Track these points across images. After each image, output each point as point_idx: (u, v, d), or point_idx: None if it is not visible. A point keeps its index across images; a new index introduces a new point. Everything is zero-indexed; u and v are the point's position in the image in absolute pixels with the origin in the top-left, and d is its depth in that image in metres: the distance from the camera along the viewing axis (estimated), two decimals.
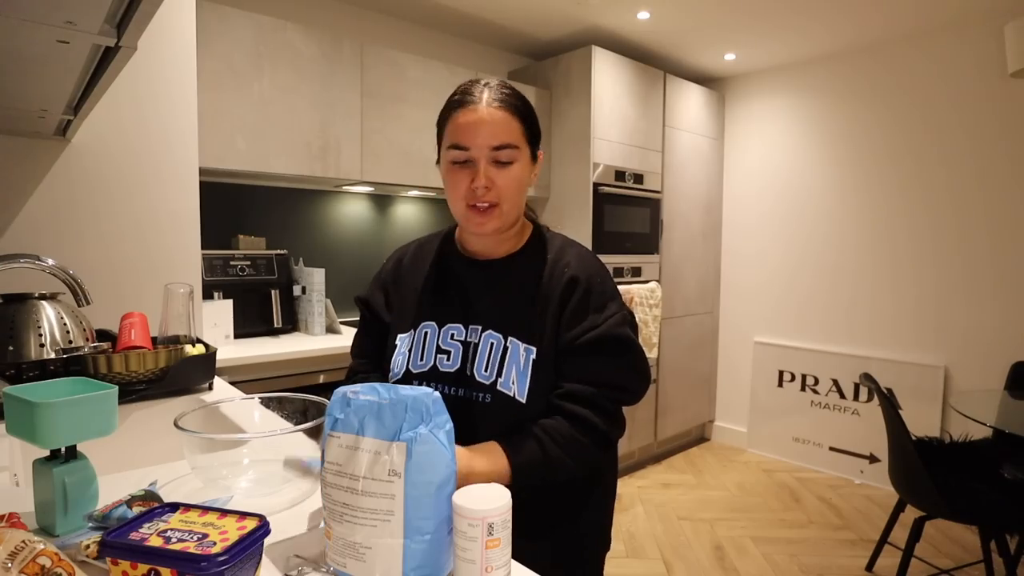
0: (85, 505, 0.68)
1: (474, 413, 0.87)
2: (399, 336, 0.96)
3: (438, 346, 0.91)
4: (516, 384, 0.85)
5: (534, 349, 0.86)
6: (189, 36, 1.78)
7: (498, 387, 0.86)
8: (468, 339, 0.90)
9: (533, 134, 0.92)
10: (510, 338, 0.88)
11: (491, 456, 0.80)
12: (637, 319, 3.08)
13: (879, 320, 3.26)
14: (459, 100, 0.90)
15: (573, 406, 0.84)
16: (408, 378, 0.92)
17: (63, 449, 0.68)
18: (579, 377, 0.85)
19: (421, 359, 0.91)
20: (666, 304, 3.44)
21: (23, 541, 0.51)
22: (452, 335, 0.91)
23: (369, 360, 1.03)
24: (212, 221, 2.32)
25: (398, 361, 0.94)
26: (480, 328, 0.90)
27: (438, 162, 0.96)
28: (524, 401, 0.85)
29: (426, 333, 0.93)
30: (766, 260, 3.72)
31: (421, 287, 0.98)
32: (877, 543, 2.34)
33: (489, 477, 0.77)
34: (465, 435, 0.83)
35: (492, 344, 0.88)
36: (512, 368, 0.86)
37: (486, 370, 0.87)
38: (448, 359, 0.90)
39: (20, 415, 0.65)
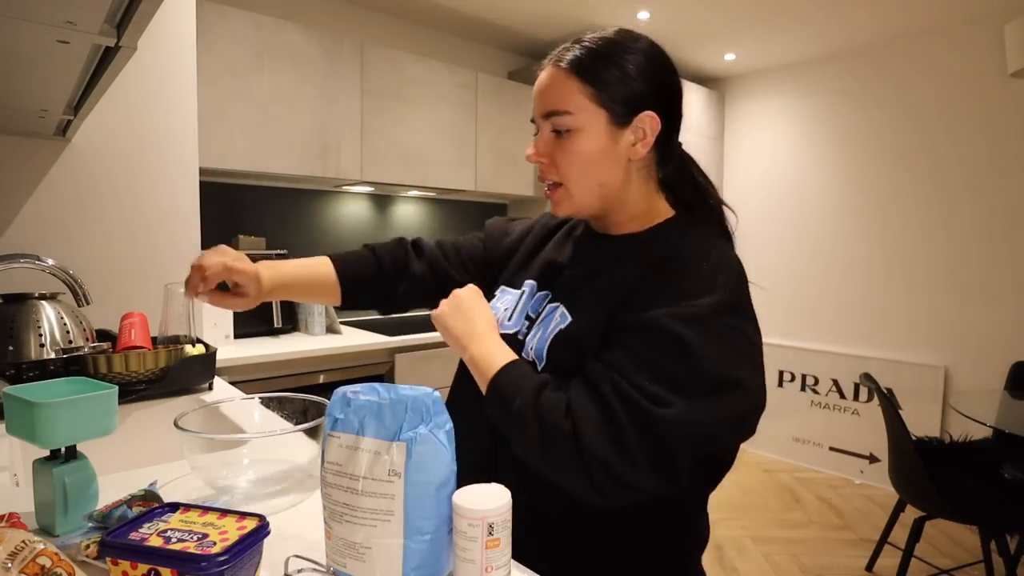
0: (85, 505, 0.68)
1: None
2: (503, 288, 0.89)
3: (527, 312, 0.82)
4: (534, 350, 0.75)
5: (571, 319, 0.74)
6: (189, 36, 1.78)
7: (523, 352, 0.76)
8: (542, 308, 0.80)
9: (617, 94, 0.71)
10: (561, 306, 0.76)
11: (499, 353, 0.73)
12: None
13: (879, 320, 3.26)
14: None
15: (577, 386, 0.65)
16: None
17: (63, 449, 0.68)
18: (602, 356, 0.66)
19: (510, 320, 0.83)
20: None
21: (23, 541, 0.51)
22: (539, 302, 0.82)
23: (442, 250, 0.98)
24: (212, 221, 2.32)
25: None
26: (550, 296, 0.80)
27: None
28: (540, 368, 0.74)
29: (523, 292, 0.84)
30: (766, 260, 3.72)
31: (549, 250, 0.89)
32: (877, 543, 2.34)
33: (474, 361, 0.73)
34: (472, 386, 0.76)
35: (548, 309, 0.78)
36: (539, 331, 0.76)
37: (529, 332, 0.78)
38: (529, 328, 0.80)
39: (20, 415, 0.65)
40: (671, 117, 0.75)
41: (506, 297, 0.87)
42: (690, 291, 0.65)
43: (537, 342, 0.75)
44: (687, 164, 0.81)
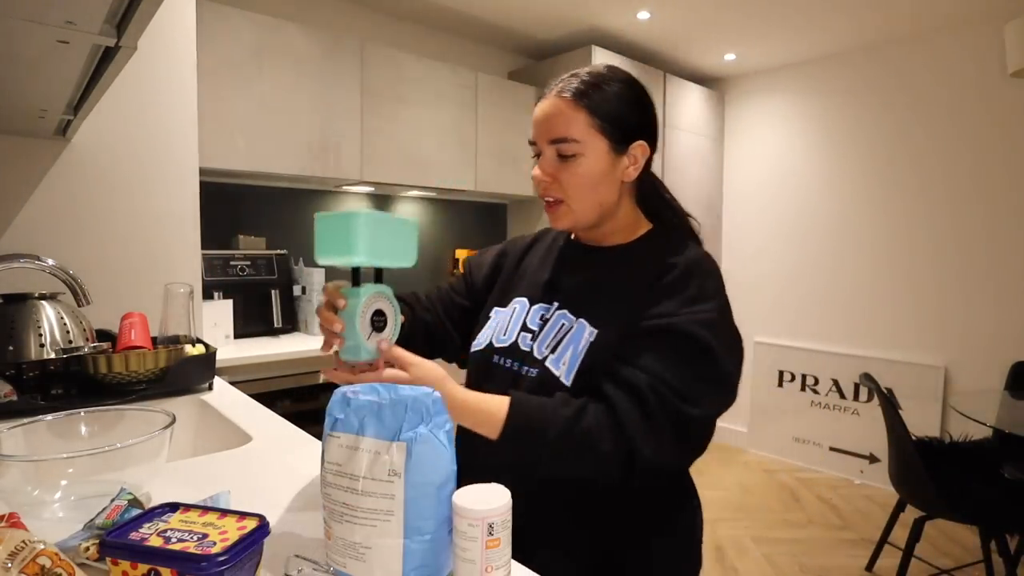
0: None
1: (516, 386, 0.83)
2: (495, 309, 0.95)
3: (524, 323, 0.89)
4: (566, 365, 0.80)
5: (596, 331, 0.80)
6: (189, 36, 1.78)
7: (546, 363, 0.81)
8: (547, 317, 0.87)
9: (617, 126, 0.82)
10: (580, 319, 0.82)
11: (490, 399, 0.75)
12: None
13: (879, 320, 3.26)
14: (541, 92, 0.87)
15: (618, 394, 0.72)
16: (490, 351, 0.90)
17: (372, 272, 0.74)
18: (635, 362, 0.73)
19: (504, 334, 0.90)
20: None
21: (23, 541, 0.51)
22: (540, 315, 0.88)
23: (438, 298, 1.04)
24: (212, 221, 2.32)
25: (485, 334, 0.93)
26: (556, 306, 0.87)
27: None
28: (568, 383, 0.78)
29: (515, 309, 0.92)
30: (766, 260, 3.72)
31: (528, 266, 0.98)
32: (877, 543, 2.34)
33: (476, 416, 0.73)
34: None
35: (563, 324, 0.84)
36: (569, 348, 0.81)
37: (545, 347, 0.83)
38: (531, 338, 0.86)
39: (338, 229, 0.70)
40: (653, 144, 0.87)
41: (500, 316, 0.94)
42: (699, 297, 0.76)
43: (570, 356, 0.80)
44: (656, 183, 0.92)
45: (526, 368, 0.84)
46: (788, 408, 3.57)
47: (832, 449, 3.38)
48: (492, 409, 0.73)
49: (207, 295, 2.17)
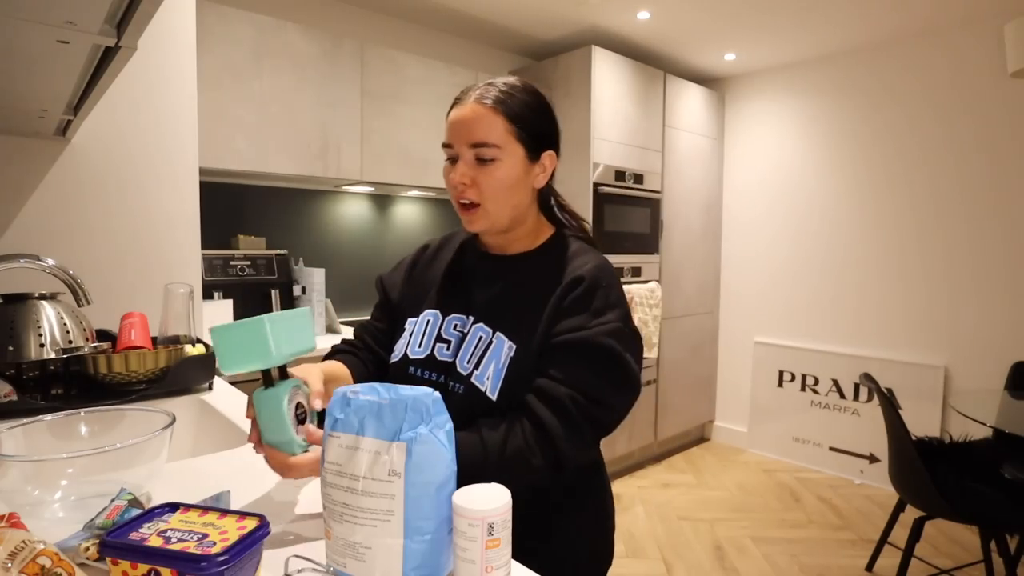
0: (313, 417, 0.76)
1: (446, 402, 0.86)
2: (408, 320, 0.98)
3: (439, 334, 0.92)
4: (490, 380, 0.84)
5: (515, 346, 0.84)
6: (189, 36, 1.78)
7: (472, 380, 0.85)
8: (463, 330, 0.91)
9: (531, 134, 0.88)
10: (497, 333, 0.87)
11: None
12: (636, 320, 3.07)
13: (879, 320, 3.26)
14: (456, 99, 0.91)
15: (542, 408, 0.79)
16: (405, 362, 0.93)
17: (277, 371, 0.73)
18: (554, 375, 0.80)
19: (420, 346, 0.93)
20: (666, 304, 3.44)
21: (23, 541, 0.51)
22: (455, 325, 0.92)
23: (367, 334, 1.05)
24: (212, 221, 2.32)
25: (400, 345, 0.95)
26: (472, 319, 0.90)
27: None
28: (494, 398, 0.83)
29: (428, 320, 0.94)
30: (766, 260, 3.72)
31: (437, 275, 1.00)
32: (877, 543, 2.35)
33: None
34: None
35: (481, 337, 0.88)
36: (491, 363, 0.85)
37: (468, 362, 0.87)
38: (447, 348, 0.90)
39: (245, 339, 0.68)
40: (558, 156, 0.94)
41: (413, 327, 0.97)
42: (604, 308, 0.83)
43: (493, 371, 0.85)
44: (553, 191, 0.99)
45: (453, 383, 0.87)
46: (788, 408, 3.57)
47: (832, 449, 3.38)
48: None
49: (207, 295, 2.17)
